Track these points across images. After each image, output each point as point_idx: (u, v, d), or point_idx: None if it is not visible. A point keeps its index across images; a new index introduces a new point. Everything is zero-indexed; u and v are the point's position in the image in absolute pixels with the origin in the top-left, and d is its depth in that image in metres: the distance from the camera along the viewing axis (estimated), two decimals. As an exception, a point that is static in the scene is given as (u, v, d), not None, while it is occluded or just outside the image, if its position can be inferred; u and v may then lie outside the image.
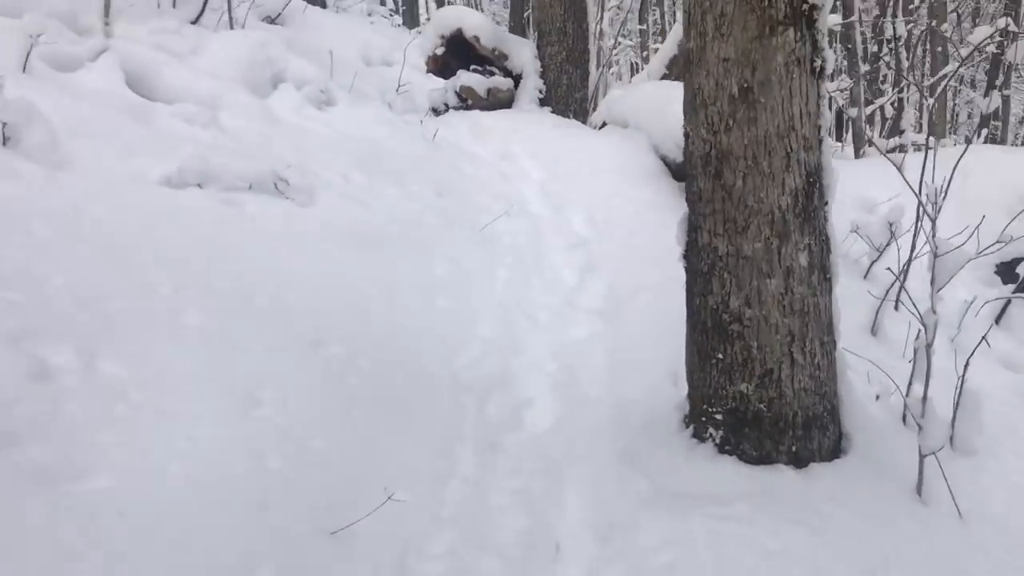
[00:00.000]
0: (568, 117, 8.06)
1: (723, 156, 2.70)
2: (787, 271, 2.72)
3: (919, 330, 2.90)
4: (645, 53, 18.99)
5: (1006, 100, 13.85)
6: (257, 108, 5.44)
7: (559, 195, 5.84)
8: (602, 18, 8.71)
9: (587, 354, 3.77)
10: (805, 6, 2.57)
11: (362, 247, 4.06)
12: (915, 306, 3.10)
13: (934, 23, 11.77)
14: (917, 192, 3.69)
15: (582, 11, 8.01)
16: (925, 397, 2.81)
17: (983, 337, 3.29)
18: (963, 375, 3.00)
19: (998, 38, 15.91)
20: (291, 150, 4.94)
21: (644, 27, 19.54)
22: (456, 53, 8.03)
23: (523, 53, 8.18)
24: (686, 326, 3.01)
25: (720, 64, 2.64)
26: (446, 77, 8.22)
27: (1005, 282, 5.13)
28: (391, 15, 15.54)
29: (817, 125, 2.71)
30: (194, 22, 7.49)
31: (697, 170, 2.81)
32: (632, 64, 20.38)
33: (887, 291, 4.05)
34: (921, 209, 3.69)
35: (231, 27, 7.30)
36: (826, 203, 2.80)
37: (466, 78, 7.77)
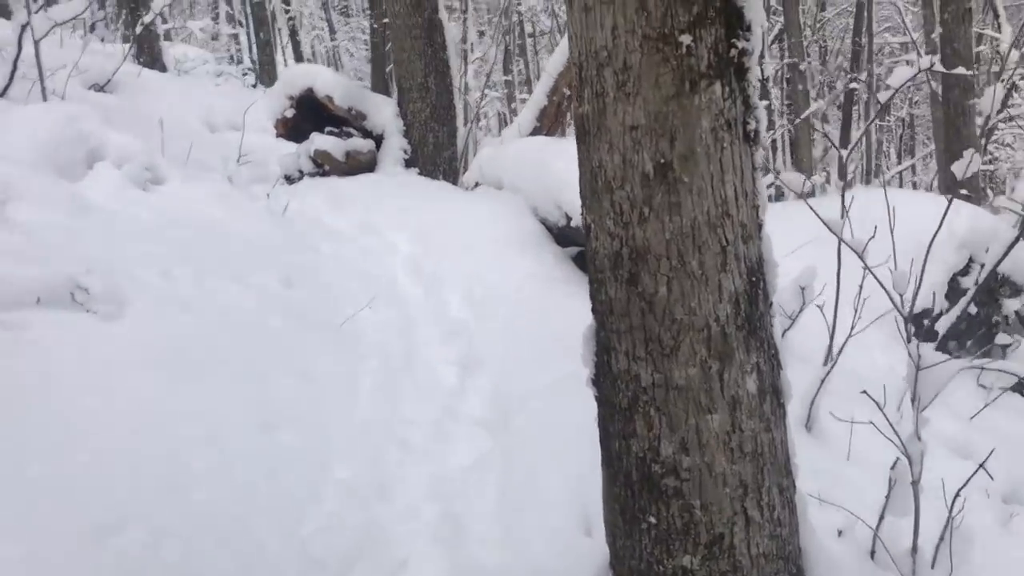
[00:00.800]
0: (438, 178, 7.33)
1: (639, 255, 1.97)
2: (732, 402, 2.01)
3: (896, 459, 2.23)
4: (513, 104, 18.56)
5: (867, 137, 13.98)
6: (63, 195, 4.45)
7: (432, 271, 5.06)
8: (466, 71, 8.05)
9: (475, 491, 2.96)
10: (733, 51, 1.88)
11: (182, 372, 3.16)
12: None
13: (797, 61, 11.68)
14: (850, 247, 3.08)
15: (444, 64, 7.32)
16: (915, 549, 2.13)
17: (980, 465, 2.65)
18: (951, 509, 2.33)
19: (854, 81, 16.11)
20: (101, 246, 4.00)
21: (510, 78, 19.14)
22: (308, 115, 7.20)
23: (383, 111, 7.42)
24: (602, 473, 2.25)
25: (627, 134, 1.92)
26: (299, 141, 7.37)
27: (920, 338, 4.64)
28: (244, 74, 14.54)
29: (755, 206, 2.02)
30: (0, 95, 6.43)
31: (605, 274, 2.07)
32: (500, 115, 19.93)
33: (823, 379, 3.41)
34: (860, 271, 3.08)
35: (44, 99, 6.26)
36: (771, 305, 2.11)
37: (320, 141, 6.94)
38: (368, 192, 6.42)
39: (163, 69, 9.89)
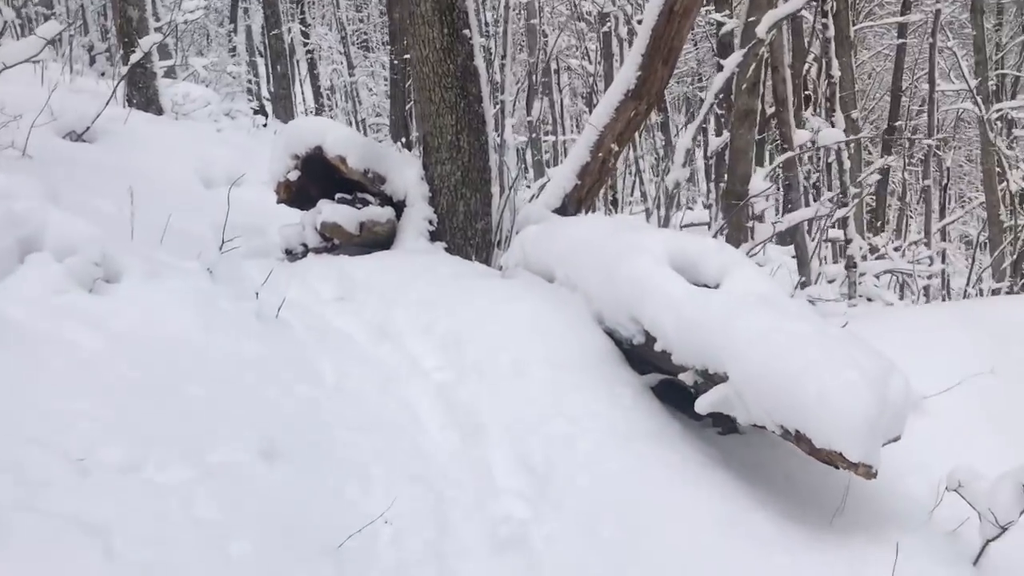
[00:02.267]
0: (468, 255, 5.98)
1: None
2: None
3: None
4: (546, 153, 17.21)
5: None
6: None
7: (469, 408, 3.69)
8: (503, 127, 6.71)
9: None
10: None
11: None
12: None
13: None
14: None
15: (479, 120, 6.00)
16: None
17: None
18: None
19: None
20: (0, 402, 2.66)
21: (531, 119, 17.83)
22: (316, 177, 5.86)
23: (406, 174, 6.08)
24: None
25: None
26: (304, 207, 6.03)
27: None
28: (255, 112, 13.27)
29: None
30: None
31: None
32: (522, 160, 18.65)
33: None
34: None
35: (-10, 156, 4.96)
36: None
37: (329, 212, 5.59)
38: (386, 278, 5.07)
39: (159, 111, 8.61)
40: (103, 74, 11.13)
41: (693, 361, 3.53)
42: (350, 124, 22.25)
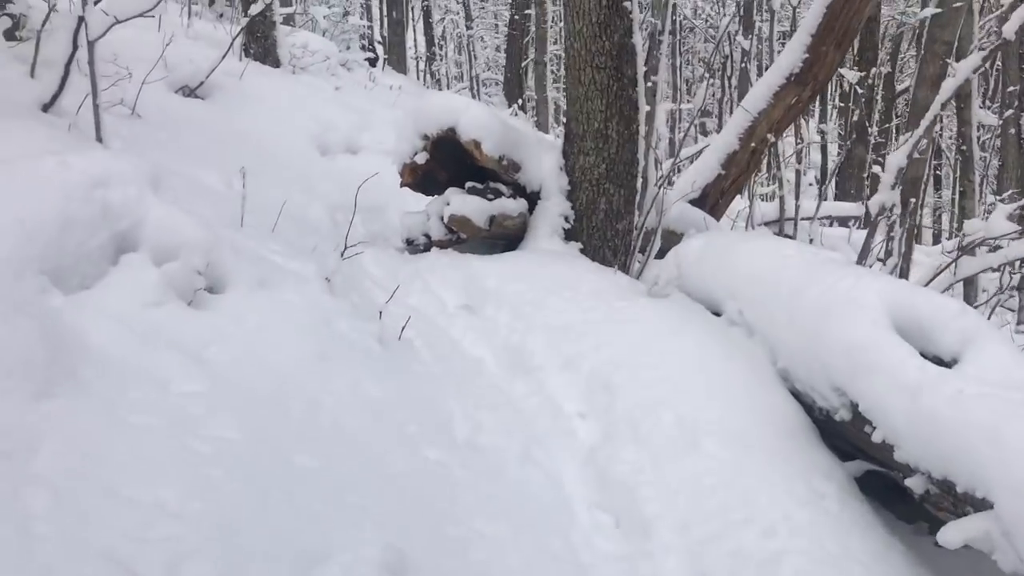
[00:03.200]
0: (606, 258, 5.19)
1: None
2: None
3: None
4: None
5: None
6: (29, 332, 2.50)
7: (627, 490, 2.95)
8: (655, 113, 5.85)
9: None
10: None
11: None
12: None
13: None
14: None
15: (631, 106, 5.15)
16: None
17: None
18: None
19: None
20: (56, 474, 2.05)
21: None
22: (446, 160, 5.14)
23: (543, 162, 5.30)
24: None
25: None
26: (429, 192, 5.33)
27: None
28: (369, 64, 12.59)
29: None
30: (47, 108, 4.58)
31: None
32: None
33: None
34: None
35: (97, 125, 4.37)
36: None
37: (458, 204, 4.87)
38: (518, 287, 4.34)
39: (276, 63, 8.01)
40: (221, 16, 10.59)
41: (929, 465, 2.70)
42: (461, 78, 21.41)
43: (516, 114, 13.54)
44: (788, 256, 3.75)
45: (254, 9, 6.46)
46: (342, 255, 3.95)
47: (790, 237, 9.23)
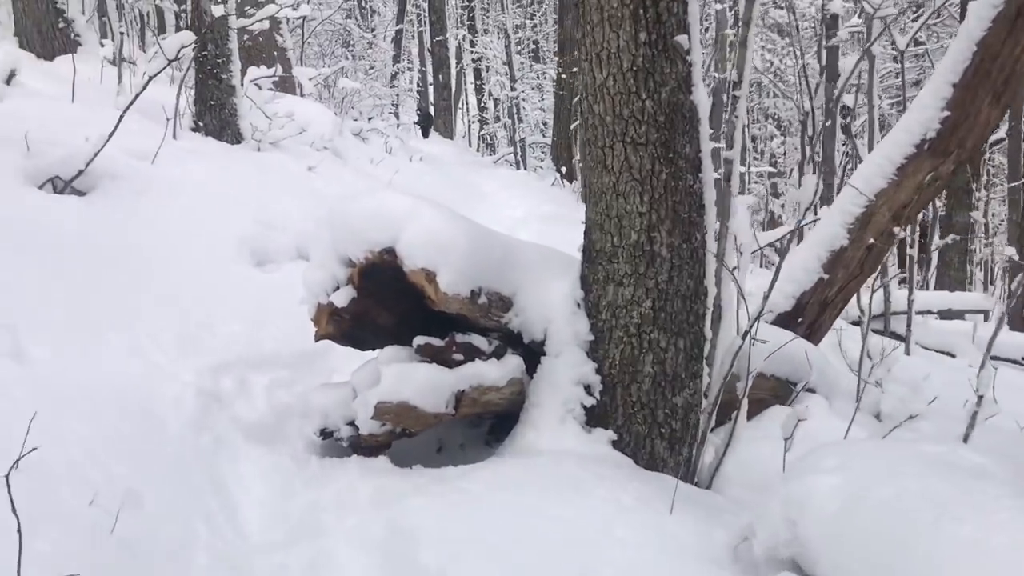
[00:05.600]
0: (657, 453, 3.03)
1: None
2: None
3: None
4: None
5: None
6: None
7: None
8: (730, 210, 3.62)
9: None
10: None
11: None
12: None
13: None
14: None
15: (695, 205, 3.01)
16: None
17: None
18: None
19: None
20: None
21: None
22: (386, 296, 3.04)
23: (550, 293, 3.15)
24: None
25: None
26: (365, 344, 3.22)
27: None
28: (418, 126, 10.62)
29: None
30: None
31: None
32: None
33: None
34: None
35: None
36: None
37: (393, 380, 2.74)
38: (489, 570, 2.16)
39: (236, 138, 6.09)
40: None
41: None
42: (509, 143, 19.47)
43: (554, 184, 11.44)
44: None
45: (147, 75, 4.42)
46: None
47: (900, 339, 6.89)
